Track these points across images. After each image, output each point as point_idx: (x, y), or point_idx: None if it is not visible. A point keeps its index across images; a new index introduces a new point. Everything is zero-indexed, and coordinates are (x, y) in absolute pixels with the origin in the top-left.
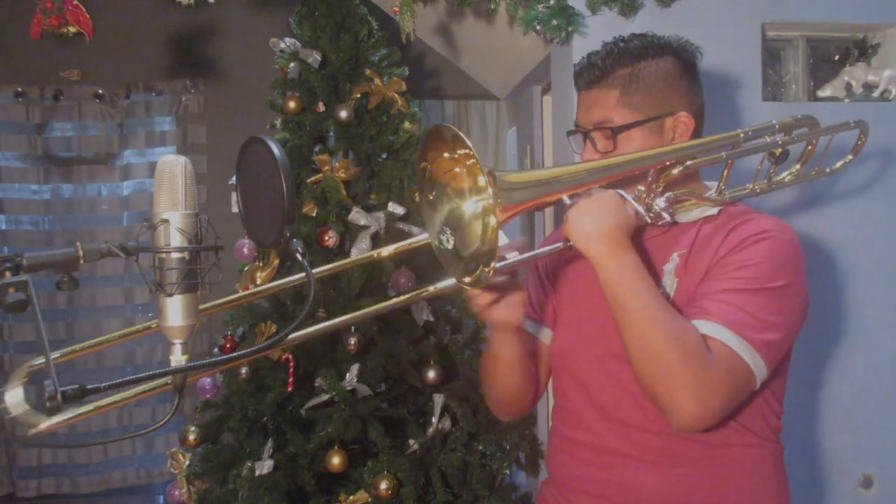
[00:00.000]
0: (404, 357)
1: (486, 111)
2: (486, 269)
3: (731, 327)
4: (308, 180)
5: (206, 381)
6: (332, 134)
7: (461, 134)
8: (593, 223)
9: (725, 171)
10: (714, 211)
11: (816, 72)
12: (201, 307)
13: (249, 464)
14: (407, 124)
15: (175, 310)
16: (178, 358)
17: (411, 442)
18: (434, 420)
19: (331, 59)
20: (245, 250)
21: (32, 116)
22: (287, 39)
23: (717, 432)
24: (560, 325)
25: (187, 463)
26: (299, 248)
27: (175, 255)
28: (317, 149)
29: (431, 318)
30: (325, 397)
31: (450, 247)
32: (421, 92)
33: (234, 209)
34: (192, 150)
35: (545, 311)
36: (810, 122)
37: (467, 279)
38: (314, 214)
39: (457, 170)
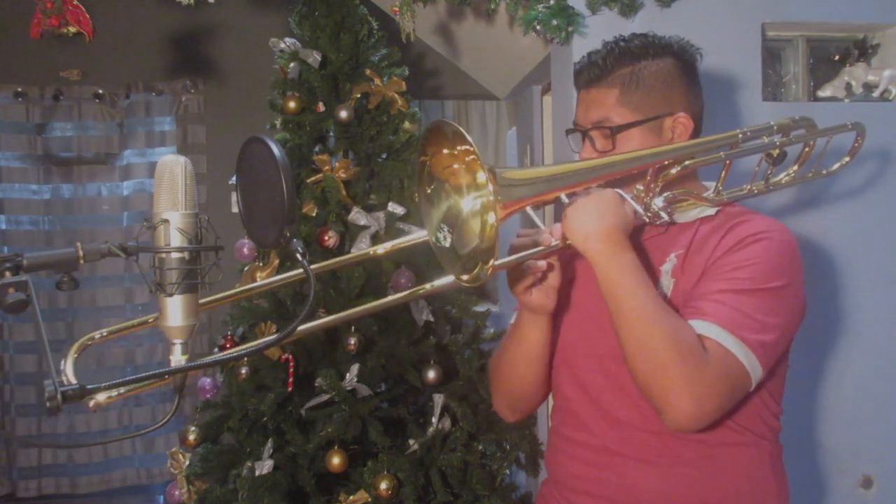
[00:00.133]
0: (404, 357)
1: (486, 111)
2: (486, 267)
3: (727, 327)
4: (308, 180)
5: (206, 381)
6: (332, 134)
7: (462, 130)
8: (592, 222)
9: (723, 172)
10: (712, 211)
11: (816, 72)
12: (201, 301)
13: (249, 464)
14: (407, 124)
15: (175, 310)
16: (178, 358)
17: (411, 442)
18: (434, 420)
19: (331, 59)
20: (245, 250)
21: (32, 116)
22: (287, 39)
23: (715, 432)
24: (559, 324)
25: (187, 463)
26: (299, 248)
27: (175, 255)
28: (317, 149)
29: (431, 318)
30: (325, 397)
31: (447, 245)
32: (421, 92)
33: (234, 209)
34: (192, 150)
35: None
36: (808, 124)
37: (465, 276)
38: (314, 214)
39: (456, 166)
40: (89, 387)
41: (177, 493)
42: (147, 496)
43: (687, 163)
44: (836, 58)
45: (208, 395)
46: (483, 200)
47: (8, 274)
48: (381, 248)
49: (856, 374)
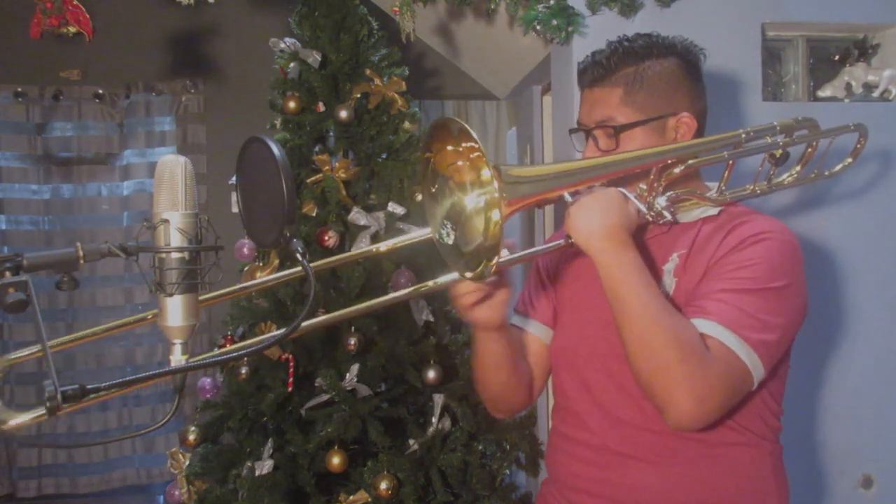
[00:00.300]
0: (404, 357)
1: (486, 111)
2: (490, 264)
3: (729, 327)
4: (308, 180)
5: (206, 381)
6: (332, 134)
7: (468, 127)
8: (595, 220)
9: (726, 172)
10: (715, 211)
11: (816, 72)
12: (200, 298)
13: (249, 464)
14: (407, 124)
15: (175, 310)
16: (178, 358)
17: (411, 442)
18: (434, 420)
19: (331, 59)
20: (245, 250)
21: (32, 116)
22: (287, 39)
23: (715, 432)
24: (561, 324)
25: (187, 463)
26: (299, 248)
27: (175, 255)
28: (317, 149)
29: (431, 318)
30: (325, 397)
31: (450, 242)
32: (421, 92)
33: (234, 209)
34: (192, 150)
35: (537, 307)
36: (811, 125)
37: (469, 274)
38: (314, 214)
39: (460, 163)
40: (89, 387)
41: (177, 493)
42: (147, 496)
43: (690, 162)
44: (836, 58)
45: (208, 395)
46: (488, 197)
47: (8, 274)
48: (383, 246)
49: (856, 374)
